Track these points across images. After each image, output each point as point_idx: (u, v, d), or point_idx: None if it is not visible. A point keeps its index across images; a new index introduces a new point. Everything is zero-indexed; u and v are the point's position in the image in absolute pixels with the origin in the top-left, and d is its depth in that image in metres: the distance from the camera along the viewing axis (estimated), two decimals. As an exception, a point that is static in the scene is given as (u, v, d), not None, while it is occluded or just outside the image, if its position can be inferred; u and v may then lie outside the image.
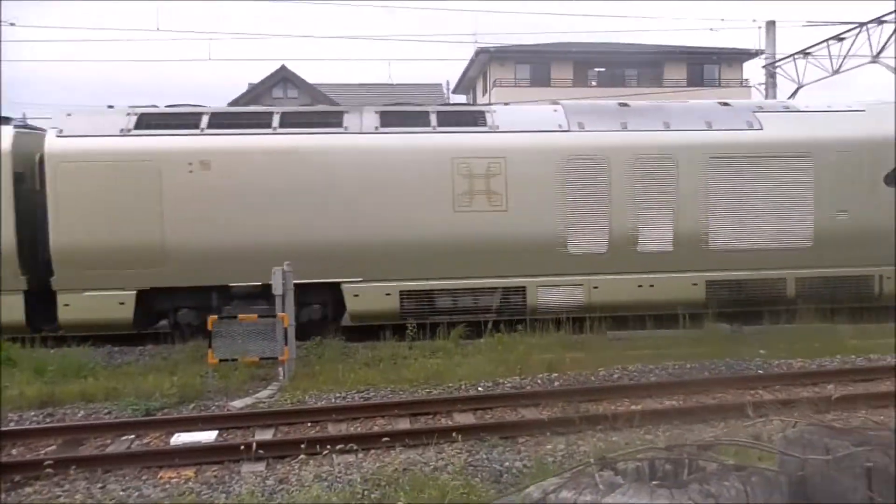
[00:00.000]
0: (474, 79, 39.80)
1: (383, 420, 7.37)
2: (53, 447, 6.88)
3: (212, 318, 9.22)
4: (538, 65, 35.52)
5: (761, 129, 11.87)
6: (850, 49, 18.99)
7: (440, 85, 38.64)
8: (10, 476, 6.03)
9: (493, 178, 11.26)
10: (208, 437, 6.94)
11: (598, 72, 36.84)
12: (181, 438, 6.89)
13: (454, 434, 6.61)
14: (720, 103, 12.64)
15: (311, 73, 51.64)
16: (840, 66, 19.47)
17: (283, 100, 30.11)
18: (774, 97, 22.65)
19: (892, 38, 17.81)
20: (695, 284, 11.72)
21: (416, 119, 11.71)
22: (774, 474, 1.55)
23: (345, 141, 11.25)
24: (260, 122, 11.39)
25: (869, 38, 18.33)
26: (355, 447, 6.40)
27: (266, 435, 7.00)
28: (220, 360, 8.99)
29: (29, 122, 13.18)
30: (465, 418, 7.36)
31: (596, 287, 11.54)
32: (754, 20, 41.18)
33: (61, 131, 10.91)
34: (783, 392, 8.02)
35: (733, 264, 11.68)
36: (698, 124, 11.88)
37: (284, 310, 9.33)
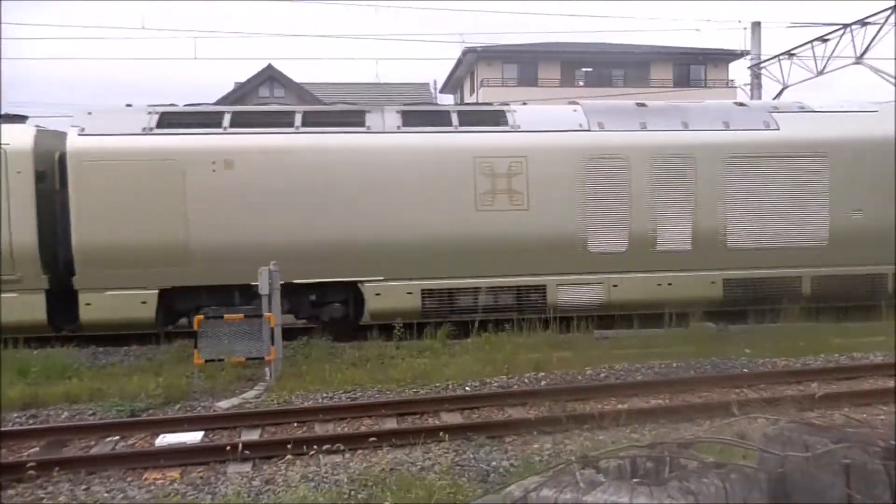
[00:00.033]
0: (462, 78, 39.83)
1: (370, 420, 7.36)
2: (36, 449, 6.82)
3: (197, 317, 9.17)
4: (525, 65, 35.62)
5: (778, 129, 12.03)
6: (834, 50, 19.17)
7: (427, 84, 38.65)
8: (-7, 478, 5.97)
9: (515, 177, 11.33)
10: (194, 437, 6.90)
11: (586, 72, 36.98)
12: (166, 439, 6.85)
13: (441, 434, 6.61)
14: (736, 103, 12.84)
15: (298, 73, 51.47)
16: (824, 67, 19.65)
17: (269, 99, 29.97)
18: (759, 98, 22.81)
19: (876, 40, 18.00)
20: (713, 283, 11.84)
21: (437, 118, 11.76)
22: (754, 471, 1.56)
23: (368, 140, 11.29)
24: (282, 121, 11.42)
25: (853, 40, 18.50)
26: (342, 447, 6.39)
27: (252, 435, 6.97)
28: (206, 361, 8.94)
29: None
30: (452, 418, 7.36)
31: (615, 285, 11.64)
32: (739, 21, 41.44)
33: (83, 130, 10.87)
34: (768, 391, 8.08)
35: (750, 263, 11.81)
36: (716, 124, 12.00)
37: (271, 309, 9.29)
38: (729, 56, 35.12)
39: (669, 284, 11.69)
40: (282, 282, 10.54)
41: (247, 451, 6.26)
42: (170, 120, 11.12)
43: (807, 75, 20.35)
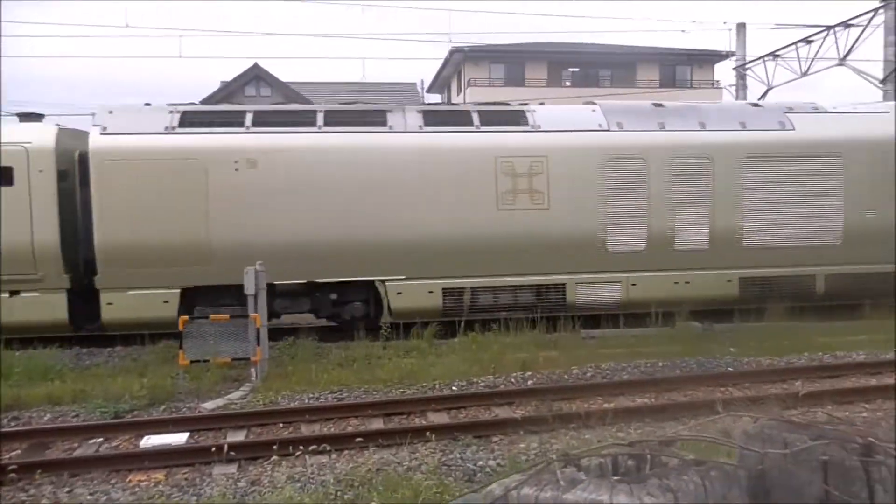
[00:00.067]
0: (449, 78, 39.86)
1: (357, 420, 7.35)
2: (18, 451, 6.74)
3: (182, 318, 9.11)
4: (512, 64, 35.71)
5: (793, 129, 12.17)
6: (818, 51, 19.39)
7: (414, 84, 38.66)
8: (-26, 481, 5.90)
9: (536, 176, 11.39)
10: (179, 439, 6.86)
11: (573, 72, 37.11)
12: (151, 441, 6.80)
13: (428, 434, 6.60)
14: (750, 104, 12.96)
15: (284, 72, 51.34)
16: (808, 68, 19.85)
17: (256, 98, 29.87)
18: (745, 98, 23.01)
19: (859, 42, 18.20)
20: (729, 281, 11.95)
21: (458, 118, 11.82)
22: (733, 468, 1.58)
23: (390, 140, 11.31)
24: (304, 120, 11.43)
25: (836, 41, 18.72)
26: (328, 448, 6.37)
27: (238, 436, 6.93)
28: (192, 362, 8.89)
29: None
30: (438, 418, 7.36)
31: (634, 284, 11.73)
32: (725, 22, 41.75)
33: (105, 129, 10.81)
34: (752, 389, 8.14)
35: (766, 261, 11.94)
36: (733, 125, 12.13)
37: (256, 310, 9.25)
38: (714, 57, 35.38)
39: (687, 283, 11.81)
40: (304, 281, 10.81)
41: (232, 453, 6.23)
42: (192, 119, 11.13)
43: (791, 76, 20.58)
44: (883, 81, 17.56)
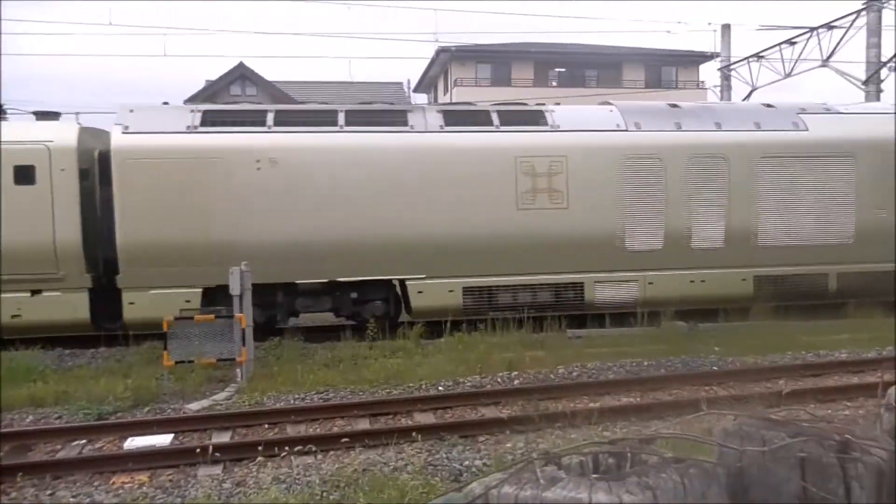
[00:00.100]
0: (435, 78, 39.86)
1: (343, 421, 7.33)
2: (0, 454, 6.67)
3: (167, 318, 9.06)
4: (499, 64, 35.76)
5: (807, 130, 12.34)
6: (801, 53, 19.57)
7: (401, 84, 38.61)
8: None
9: (556, 176, 11.47)
10: (163, 440, 6.81)
11: (559, 72, 37.23)
12: (135, 442, 6.75)
13: (414, 434, 6.60)
14: (764, 105, 13.08)
15: (270, 71, 51.06)
16: (792, 69, 20.04)
17: (241, 97, 29.74)
18: (729, 99, 23.19)
19: (842, 43, 18.40)
20: (743, 280, 12.09)
21: (478, 118, 11.87)
22: (713, 466, 1.59)
23: (411, 140, 11.35)
24: (326, 120, 11.45)
25: (819, 43, 18.91)
26: (314, 448, 6.35)
27: (223, 437, 6.90)
28: (176, 363, 8.83)
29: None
30: (425, 418, 7.36)
31: (651, 283, 11.84)
32: (709, 23, 42.12)
33: (127, 128, 10.79)
34: (737, 388, 8.20)
35: (780, 260, 12.09)
36: (748, 125, 12.27)
37: (242, 310, 9.21)
38: (699, 58, 35.61)
39: (702, 281, 11.94)
40: (326, 280, 10.90)
41: (217, 454, 6.20)
42: (213, 118, 11.16)
43: (775, 77, 20.76)
44: (865, 82, 17.76)
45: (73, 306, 10.62)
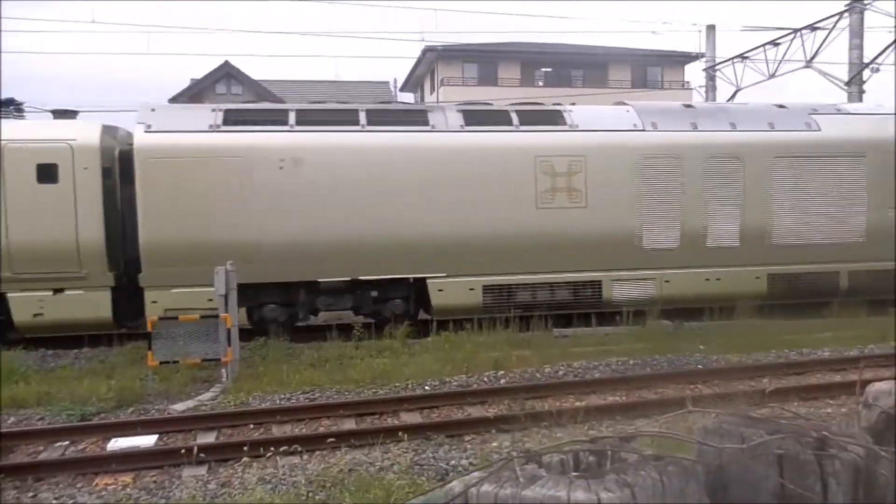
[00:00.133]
0: (422, 77, 39.81)
1: (329, 421, 7.31)
2: (-19, 456, 6.60)
3: (151, 318, 8.99)
4: (485, 64, 35.76)
5: (819, 130, 12.51)
6: (785, 54, 19.73)
7: (387, 83, 38.54)
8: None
9: (574, 175, 11.56)
10: (147, 441, 6.77)
11: (545, 72, 37.29)
12: (119, 443, 6.69)
13: (400, 433, 6.60)
14: (776, 105, 13.21)
15: (256, 70, 50.81)
16: (776, 70, 20.19)
17: (226, 96, 29.57)
18: (714, 99, 23.34)
19: (825, 44, 18.56)
20: (757, 278, 12.24)
21: (498, 118, 11.93)
22: (691, 463, 1.60)
23: (432, 139, 11.41)
24: (347, 119, 11.47)
25: (803, 44, 19.07)
26: (300, 448, 6.33)
27: (208, 438, 6.86)
28: (161, 363, 8.77)
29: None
30: (411, 417, 7.35)
31: (667, 281, 11.96)
32: (694, 24, 42.30)
33: (149, 126, 10.79)
34: (721, 386, 8.25)
35: (793, 258, 12.25)
36: (762, 125, 12.43)
37: (227, 310, 9.15)
38: (685, 58, 35.78)
39: (718, 279, 12.07)
40: (348, 278, 10.99)
41: (202, 454, 6.17)
42: (236, 117, 11.18)
43: (759, 78, 20.90)
44: (848, 83, 17.93)
45: (95, 305, 10.63)
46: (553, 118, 12.06)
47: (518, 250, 11.44)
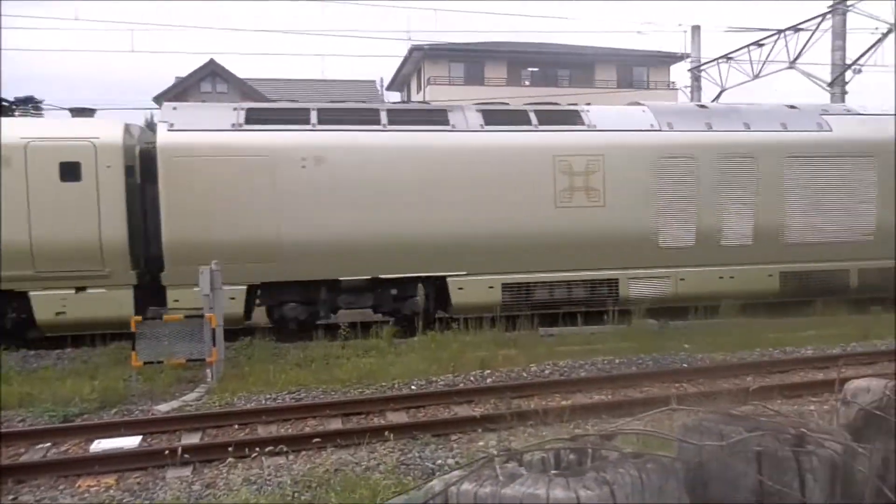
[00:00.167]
0: (408, 76, 39.77)
1: (315, 421, 7.29)
2: (-38, 458, 6.52)
3: (134, 318, 8.93)
4: (472, 63, 35.79)
5: (830, 130, 12.70)
6: (769, 54, 19.88)
7: (374, 82, 38.47)
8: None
9: (592, 174, 11.67)
10: (131, 442, 6.71)
11: (532, 71, 37.38)
12: (102, 445, 6.63)
13: (387, 433, 6.59)
14: (787, 106, 13.37)
15: (241, 68, 50.53)
16: (760, 70, 20.35)
17: (211, 94, 29.40)
18: (700, 99, 23.48)
19: (808, 45, 18.73)
20: (770, 276, 12.42)
21: (517, 118, 12.00)
22: (671, 461, 1.62)
23: (453, 139, 11.47)
24: (369, 118, 11.51)
25: (787, 45, 19.23)
26: (286, 449, 6.31)
27: (193, 439, 6.82)
28: (145, 363, 8.71)
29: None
30: (397, 417, 7.35)
31: (682, 279, 12.10)
32: (680, 24, 42.57)
33: (172, 125, 10.78)
34: (706, 384, 8.31)
35: (804, 257, 12.43)
36: (775, 125, 12.61)
37: (212, 309, 9.10)
38: (670, 58, 35.98)
39: (731, 277, 12.22)
40: (369, 276, 11.09)
41: (187, 455, 6.13)
42: (258, 116, 11.20)
43: (743, 78, 21.05)
44: (831, 84, 18.10)
45: (118, 303, 10.59)
46: (571, 118, 12.18)
47: (537, 249, 11.55)
